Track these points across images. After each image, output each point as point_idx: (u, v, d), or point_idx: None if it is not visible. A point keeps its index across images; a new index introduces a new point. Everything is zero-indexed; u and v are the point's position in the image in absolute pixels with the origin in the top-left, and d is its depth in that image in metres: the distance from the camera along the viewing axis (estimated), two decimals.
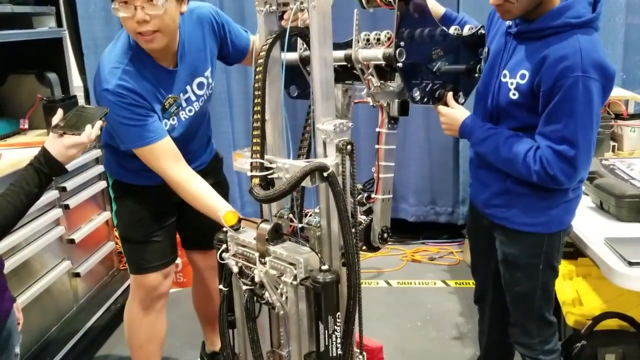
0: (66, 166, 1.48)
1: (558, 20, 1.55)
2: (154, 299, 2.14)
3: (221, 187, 2.22)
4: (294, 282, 1.44)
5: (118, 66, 1.79)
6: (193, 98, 1.98)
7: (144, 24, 1.70)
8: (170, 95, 1.90)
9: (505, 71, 1.66)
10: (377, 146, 1.71)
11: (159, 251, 2.10)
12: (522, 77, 1.60)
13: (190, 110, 1.98)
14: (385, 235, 1.76)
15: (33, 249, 2.40)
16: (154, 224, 2.08)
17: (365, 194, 1.72)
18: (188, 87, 1.95)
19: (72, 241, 2.72)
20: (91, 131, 1.46)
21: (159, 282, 2.11)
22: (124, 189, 2.10)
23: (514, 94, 1.63)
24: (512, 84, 1.63)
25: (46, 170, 1.41)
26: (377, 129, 1.69)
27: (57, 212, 2.59)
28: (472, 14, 3.18)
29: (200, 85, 1.98)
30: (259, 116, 1.45)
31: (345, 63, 1.63)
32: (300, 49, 1.72)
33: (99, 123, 1.49)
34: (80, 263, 2.82)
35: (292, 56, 1.71)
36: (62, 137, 1.43)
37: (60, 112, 1.51)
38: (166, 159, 1.83)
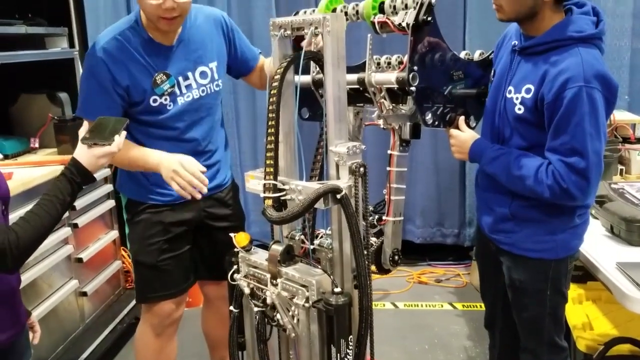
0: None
1: (560, 34, 1.58)
2: (166, 326, 2.11)
3: (238, 217, 2.20)
4: (306, 305, 1.44)
5: (114, 31, 1.89)
6: (194, 85, 1.97)
7: (170, 11, 1.78)
8: (162, 71, 1.90)
9: (510, 87, 1.68)
10: (388, 168, 1.72)
11: (171, 279, 2.07)
12: (528, 91, 1.62)
13: (188, 97, 1.96)
14: (396, 257, 1.77)
15: (41, 268, 2.40)
16: (167, 249, 2.05)
17: (376, 216, 1.72)
18: (190, 74, 1.96)
19: (80, 260, 2.72)
20: (120, 140, 1.52)
21: (171, 310, 2.09)
22: (137, 210, 2.06)
23: (519, 109, 1.64)
24: (517, 98, 1.64)
25: (78, 180, 1.46)
26: (389, 151, 1.71)
27: (66, 231, 2.59)
28: (478, 38, 3.21)
29: (204, 75, 1.99)
30: (272, 138, 1.46)
31: (357, 86, 1.65)
32: (313, 72, 1.74)
33: (124, 133, 1.55)
34: (88, 282, 2.82)
35: (305, 79, 1.73)
36: (91, 147, 1.48)
37: (86, 124, 1.57)
38: None
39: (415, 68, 1.53)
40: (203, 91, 2.00)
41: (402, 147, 1.69)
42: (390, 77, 1.57)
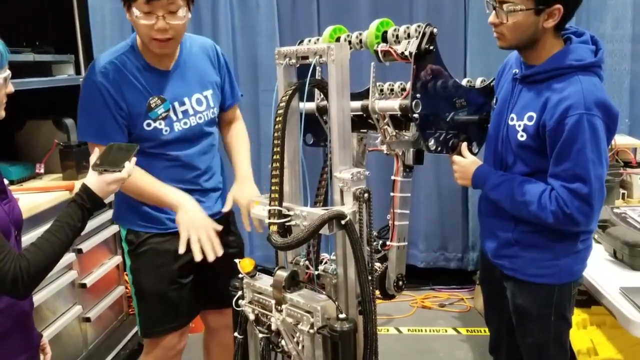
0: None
1: (560, 63, 1.61)
2: (170, 357, 2.08)
3: (239, 244, 2.19)
4: (311, 331, 1.44)
5: (110, 55, 1.90)
6: (191, 112, 1.97)
7: (163, 32, 1.79)
8: (157, 95, 1.91)
9: (512, 115, 1.70)
10: (392, 194, 1.73)
11: (178, 311, 2.03)
12: (530, 119, 1.64)
13: (185, 123, 1.96)
14: (401, 282, 1.77)
15: (46, 294, 2.40)
16: (175, 280, 2.01)
17: (380, 241, 1.73)
18: (186, 100, 1.96)
19: (83, 285, 2.71)
20: (130, 167, 1.54)
21: (176, 342, 2.06)
22: (137, 241, 2.02)
23: (522, 136, 1.66)
24: (519, 126, 1.67)
25: (88, 206, 1.49)
26: (393, 177, 1.72)
27: (70, 256, 2.60)
28: (479, 65, 3.24)
29: (199, 102, 2.00)
30: (278, 164, 1.48)
31: (361, 113, 1.67)
32: (318, 98, 1.76)
33: (134, 159, 1.57)
34: (91, 308, 2.82)
35: (310, 106, 1.75)
36: (102, 174, 1.50)
37: (97, 151, 1.60)
38: None
39: (418, 95, 1.55)
40: (200, 118, 2.00)
41: (405, 173, 1.71)
42: (393, 104, 1.59)
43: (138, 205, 2.00)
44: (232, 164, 2.15)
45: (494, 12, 1.64)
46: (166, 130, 1.93)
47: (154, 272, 2.00)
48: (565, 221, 1.60)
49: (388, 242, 1.73)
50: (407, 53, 1.53)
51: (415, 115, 1.55)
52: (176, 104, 1.94)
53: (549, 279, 1.72)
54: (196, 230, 1.81)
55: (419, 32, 1.53)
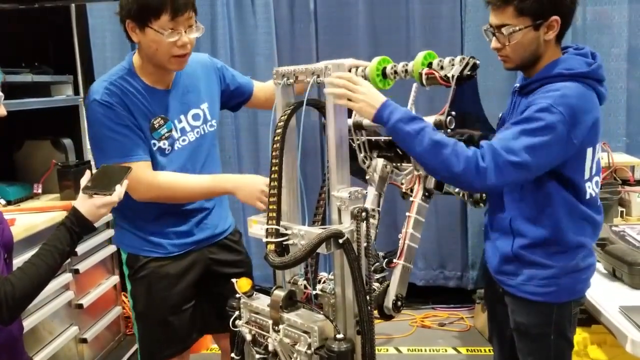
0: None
1: (550, 71, 1.63)
2: None
3: (246, 263, 2.17)
4: (309, 351, 1.43)
5: (108, 79, 1.86)
6: (187, 128, 1.96)
7: (184, 47, 1.80)
8: (160, 116, 1.90)
9: (508, 124, 1.71)
10: (408, 214, 1.75)
11: (176, 336, 2.00)
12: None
13: (184, 140, 1.96)
14: (399, 303, 1.76)
15: (42, 314, 2.39)
16: (175, 305, 1.98)
17: (385, 260, 1.74)
18: (182, 117, 1.95)
19: (80, 306, 2.70)
20: (121, 190, 1.52)
21: None
22: (138, 265, 1.98)
23: None
24: None
25: (78, 230, 1.47)
26: (411, 199, 1.74)
27: (67, 277, 2.59)
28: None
29: (196, 117, 1.99)
30: (276, 183, 1.48)
31: (390, 137, 1.69)
32: (355, 116, 1.76)
33: (125, 182, 1.55)
34: (88, 328, 2.80)
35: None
36: (92, 197, 1.48)
37: (88, 174, 1.57)
38: (146, 174, 1.84)
39: (453, 113, 1.59)
40: (197, 133, 1.99)
41: (424, 197, 1.72)
42: (429, 120, 1.64)
43: (138, 230, 1.98)
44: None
45: (494, 38, 1.67)
46: (168, 150, 1.93)
47: (153, 297, 1.97)
48: (470, 171, 1.53)
49: (395, 260, 1.73)
50: (449, 75, 1.57)
51: (449, 131, 1.59)
52: (176, 121, 1.95)
53: (547, 297, 1.71)
54: (255, 200, 1.82)
55: (463, 61, 1.58)
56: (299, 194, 1.61)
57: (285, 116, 1.50)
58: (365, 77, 1.61)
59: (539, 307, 1.72)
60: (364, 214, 1.45)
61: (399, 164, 1.83)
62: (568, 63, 1.64)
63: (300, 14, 3.74)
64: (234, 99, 2.16)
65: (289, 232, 1.48)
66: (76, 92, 3.24)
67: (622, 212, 2.79)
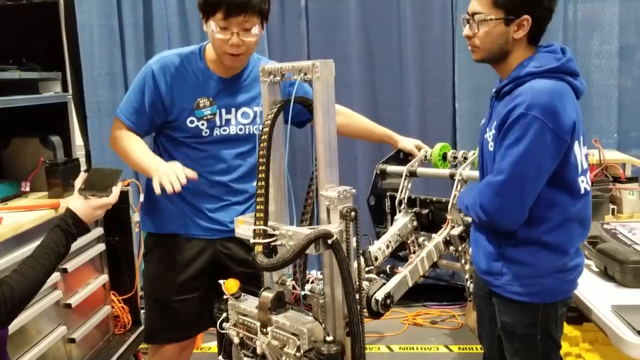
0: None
1: (521, 71, 1.63)
2: None
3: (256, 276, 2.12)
4: (297, 354, 1.41)
5: (172, 52, 2.04)
6: (233, 122, 2.02)
7: (236, 47, 1.87)
8: (207, 97, 1.98)
9: (487, 128, 1.73)
10: (426, 242, 2.03)
11: (176, 323, 2.06)
12: (496, 127, 1.66)
13: (224, 130, 2.02)
14: (389, 301, 1.75)
15: (30, 314, 2.35)
16: (179, 287, 2.04)
17: (389, 265, 1.78)
18: (233, 110, 2.02)
19: (68, 306, 2.66)
20: (117, 191, 1.54)
21: (175, 353, 2.07)
22: (153, 243, 2.11)
23: (491, 146, 1.69)
24: (489, 137, 1.70)
25: (73, 231, 1.48)
26: (434, 235, 2.02)
27: (55, 276, 2.55)
28: (467, 81, 3.26)
29: (245, 115, 2.04)
30: (263, 183, 1.46)
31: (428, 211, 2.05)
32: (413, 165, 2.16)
33: (120, 184, 1.57)
34: (76, 328, 2.76)
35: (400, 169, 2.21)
36: (88, 199, 1.47)
37: (82, 175, 1.57)
38: (116, 130, 2.02)
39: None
40: (241, 130, 2.04)
41: (445, 239, 1.96)
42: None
43: (166, 205, 2.05)
44: (371, 134, 2.36)
45: (467, 25, 1.70)
46: (206, 132, 2.00)
47: (160, 279, 2.07)
48: (479, 213, 1.64)
49: (401, 268, 1.78)
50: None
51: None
52: (223, 110, 2.01)
53: (532, 298, 1.69)
54: (165, 172, 1.82)
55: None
56: (287, 193, 1.59)
57: (272, 114, 1.48)
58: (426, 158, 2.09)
59: (524, 307, 1.71)
60: (353, 213, 1.43)
61: (419, 227, 2.08)
62: (537, 61, 1.64)
63: (291, 10, 3.72)
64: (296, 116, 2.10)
65: (276, 232, 1.46)
66: (65, 89, 3.19)
67: (613, 209, 2.78)
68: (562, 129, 1.56)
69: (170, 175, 1.80)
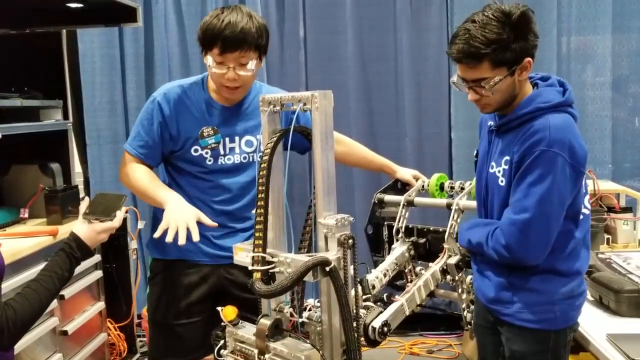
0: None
1: (529, 107, 1.65)
2: None
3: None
4: None
5: (176, 84, 2.07)
6: (237, 150, 2.04)
7: (232, 81, 1.92)
8: (211, 126, 2.01)
9: (492, 163, 1.74)
10: (423, 271, 2.01)
11: (182, 344, 2.06)
12: (506, 162, 1.67)
13: (229, 159, 2.04)
14: (386, 329, 1.75)
15: (26, 341, 2.34)
16: (183, 311, 2.06)
17: (386, 293, 1.79)
18: (237, 138, 2.04)
19: (65, 333, 2.66)
20: (121, 216, 1.56)
21: None
22: (159, 268, 2.12)
23: (502, 181, 1.69)
24: (499, 172, 1.70)
25: (77, 255, 1.49)
26: (431, 264, 2.00)
27: (52, 303, 2.54)
28: (463, 110, 3.31)
29: (249, 143, 2.06)
30: (262, 210, 1.48)
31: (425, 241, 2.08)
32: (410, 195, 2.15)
33: (124, 208, 1.60)
34: (72, 356, 2.75)
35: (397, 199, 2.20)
36: (92, 223, 1.49)
37: (86, 200, 1.59)
38: (126, 164, 2.03)
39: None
40: (245, 158, 2.06)
41: (442, 269, 1.95)
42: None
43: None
44: (370, 163, 2.39)
45: (471, 91, 1.68)
46: (209, 161, 2.03)
47: (165, 303, 2.08)
48: (503, 253, 1.63)
49: (398, 296, 1.78)
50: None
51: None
52: (227, 139, 2.03)
53: (544, 325, 1.70)
54: (176, 220, 1.79)
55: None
56: (286, 220, 1.61)
57: (272, 143, 1.50)
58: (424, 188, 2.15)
59: (536, 335, 1.71)
60: (350, 241, 1.45)
61: (416, 256, 2.11)
62: (543, 97, 1.66)
63: (290, 41, 3.79)
64: (299, 143, 2.02)
65: (275, 259, 1.47)
66: (65, 117, 3.23)
67: (608, 239, 2.81)
68: (579, 162, 1.61)
69: (181, 226, 1.77)
